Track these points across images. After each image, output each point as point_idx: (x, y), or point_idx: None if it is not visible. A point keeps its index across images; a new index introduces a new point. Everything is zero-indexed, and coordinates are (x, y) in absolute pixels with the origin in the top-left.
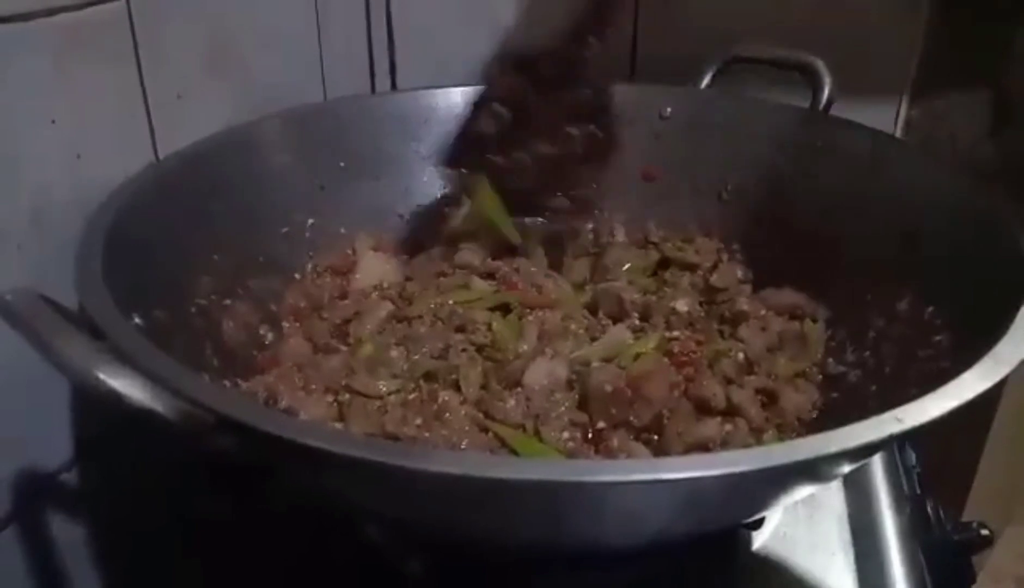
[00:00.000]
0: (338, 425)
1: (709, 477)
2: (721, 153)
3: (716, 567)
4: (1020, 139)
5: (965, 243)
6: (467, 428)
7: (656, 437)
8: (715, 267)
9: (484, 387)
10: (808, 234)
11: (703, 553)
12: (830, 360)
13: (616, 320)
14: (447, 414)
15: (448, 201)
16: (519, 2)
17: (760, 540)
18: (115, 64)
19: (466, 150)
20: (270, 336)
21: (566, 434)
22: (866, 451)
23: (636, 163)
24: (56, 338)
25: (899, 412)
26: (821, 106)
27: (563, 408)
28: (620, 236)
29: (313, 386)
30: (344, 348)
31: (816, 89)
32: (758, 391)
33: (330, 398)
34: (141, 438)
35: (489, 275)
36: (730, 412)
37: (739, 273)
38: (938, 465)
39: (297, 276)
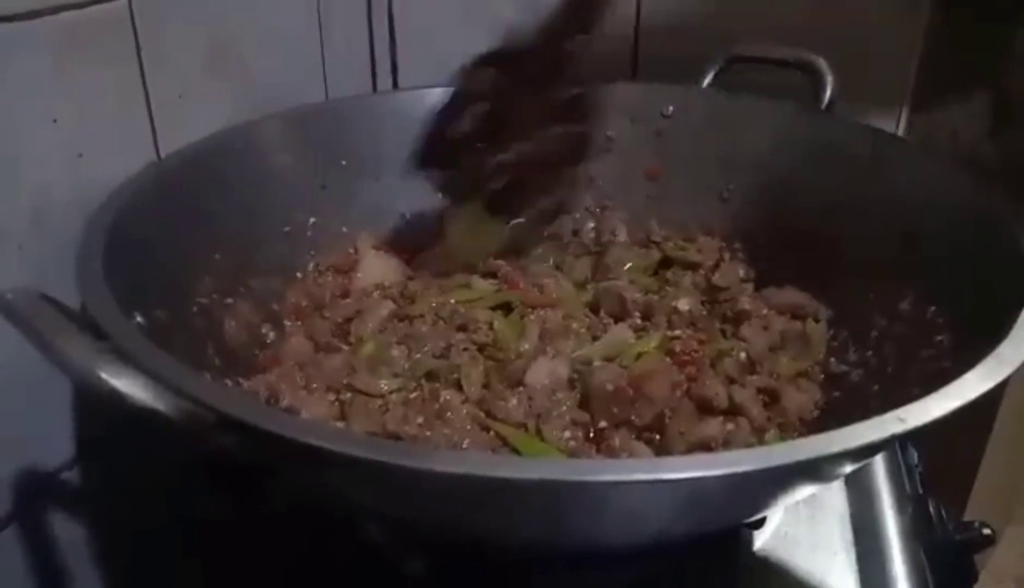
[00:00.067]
0: (340, 424)
1: (711, 477)
2: (723, 152)
3: (717, 567)
4: (1020, 139)
5: (965, 243)
6: (469, 427)
7: (658, 436)
8: (717, 266)
9: (486, 386)
10: (809, 233)
11: (704, 553)
12: (832, 360)
13: (618, 319)
14: (449, 413)
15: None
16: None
17: (761, 540)
18: (116, 64)
19: (438, 150)
20: (272, 335)
21: (568, 433)
22: (868, 451)
23: (638, 162)
24: (57, 338)
25: (901, 412)
26: (823, 105)
27: (565, 407)
28: (622, 235)
29: (314, 385)
30: (345, 347)
31: (818, 88)
32: (760, 390)
33: (331, 397)
34: (142, 438)
35: (490, 274)
36: (732, 412)
37: (741, 272)
38: (940, 465)
39: (299, 275)
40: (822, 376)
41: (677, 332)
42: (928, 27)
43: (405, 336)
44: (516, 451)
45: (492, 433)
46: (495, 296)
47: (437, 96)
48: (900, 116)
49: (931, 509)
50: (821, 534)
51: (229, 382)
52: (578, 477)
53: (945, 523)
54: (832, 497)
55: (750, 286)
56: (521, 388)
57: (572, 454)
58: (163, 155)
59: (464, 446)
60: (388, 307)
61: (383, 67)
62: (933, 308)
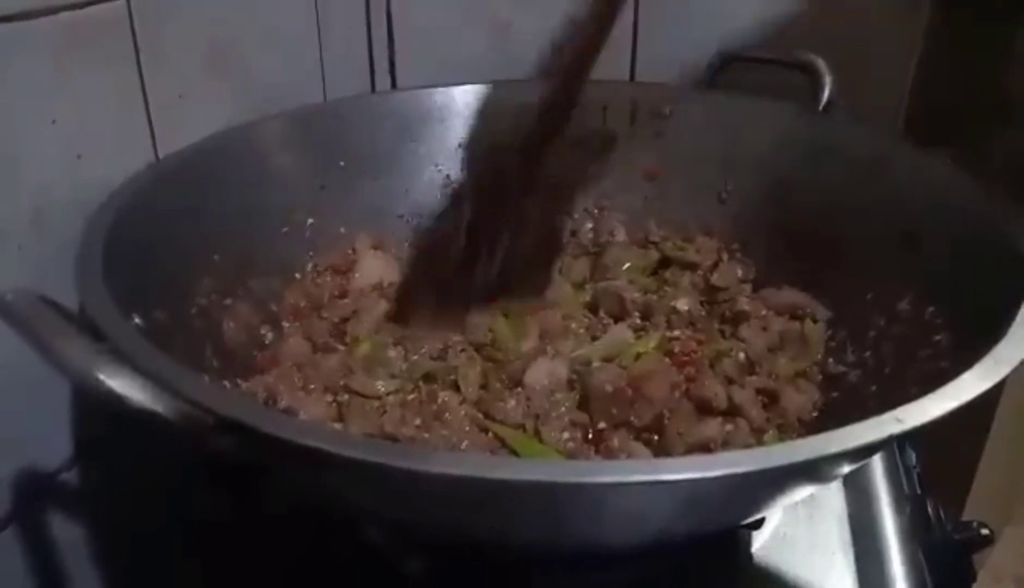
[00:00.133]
0: (337, 425)
1: (710, 478)
2: (721, 152)
3: (716, 567)
4: (1020, 139)
5: (965, 243)
6: (467, 428)
7: (657, 437)
8: (715, 266)
9: (484, 387)
10: (808, 234)
11: (703, 553)
12: (830, 360)
13: (617, 319)
14: (447, 414)
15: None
16: (519, 2)
17: (760, 540)
18: (115, 64)
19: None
20: (270, 336)
21: (566, 434)
22: (866, 451)
23: (636, 162)
24: (56, 339)
25: (899, 412)
26: (822, 105)
27: (563, 408)
28: (620, 235)
29: (312, 386)
30: (342, 347)
31: (817, 88)
32: (759, 391)
33: (329, 398)
34: (141, 439)
35: None
36: (731, 412)
37: (739, 273)
38: (938, 465)
39: (297, 276)
40: (820, 376)
41: (676, 332)
42: (928, 27)
43: (402, 336)
44: (514, 452)
45: (490, 434)
46: None
47: (436, 96)
48: (900, 116)
49: (929, 509)
50: (819, 534)
51: (227, 383)
52: (576, 479)
53: (943, 523)
54: (830, 497)
55: (749, 286)
56: (520, 389)
57: (571, 455)
58: (162, 156)
59: (462, 447)
60: (384, 306)
61: (382, 67)
62: (932, 308)
